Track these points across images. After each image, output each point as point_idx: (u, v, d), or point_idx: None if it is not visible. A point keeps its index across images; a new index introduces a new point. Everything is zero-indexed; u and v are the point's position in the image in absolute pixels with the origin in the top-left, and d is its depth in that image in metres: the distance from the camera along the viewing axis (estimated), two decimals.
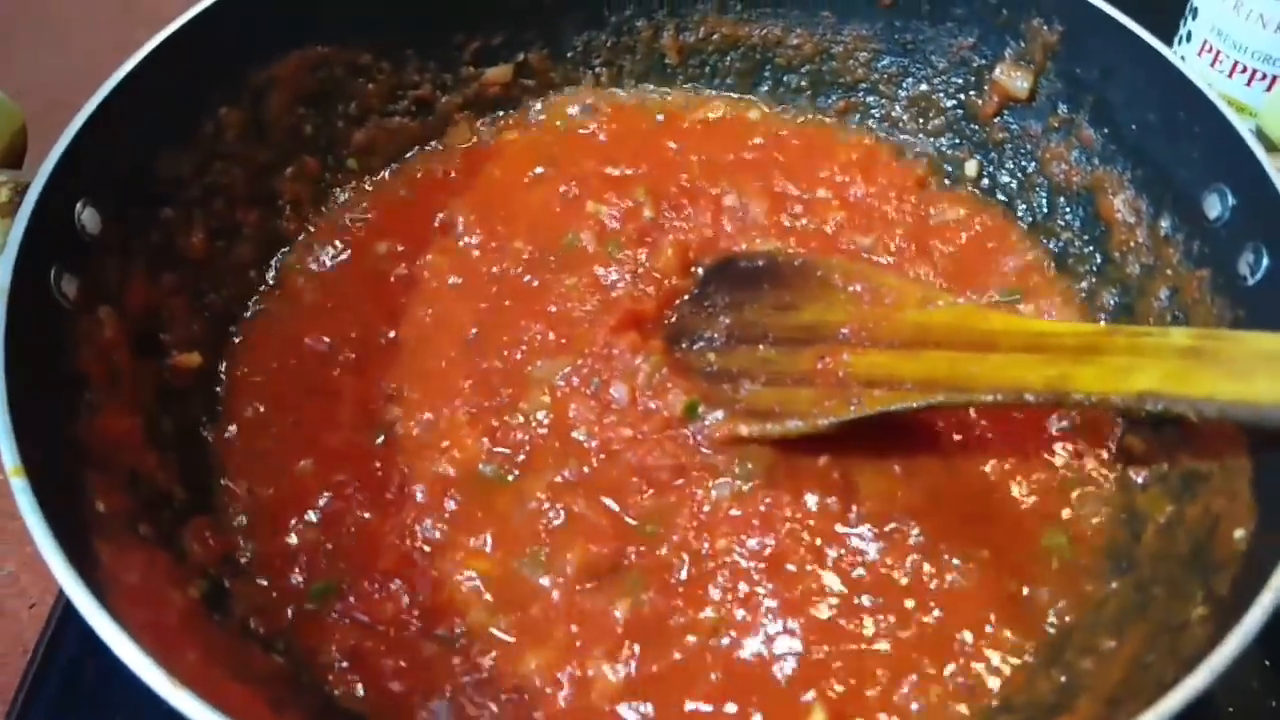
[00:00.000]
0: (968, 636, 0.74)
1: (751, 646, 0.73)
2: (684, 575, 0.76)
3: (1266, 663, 0.93)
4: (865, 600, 0.75)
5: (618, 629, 0.74)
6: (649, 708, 0.71)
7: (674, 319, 0.91)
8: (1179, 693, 0.55)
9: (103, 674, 0.92)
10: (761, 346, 0.86)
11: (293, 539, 0.79)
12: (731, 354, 0.87)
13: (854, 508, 0.79)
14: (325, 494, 0.81)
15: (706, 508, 0.79)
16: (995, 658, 0.73)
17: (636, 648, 0.73)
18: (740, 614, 0.74)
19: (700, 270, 0.94)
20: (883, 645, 0.73)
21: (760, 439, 0.82)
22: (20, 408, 0.64)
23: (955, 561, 0.77)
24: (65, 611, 0.97)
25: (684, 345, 0.88)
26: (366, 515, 0.80)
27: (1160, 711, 0.55)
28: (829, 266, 0.89)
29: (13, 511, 1.45)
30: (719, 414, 0.83)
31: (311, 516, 0.80)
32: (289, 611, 0.75)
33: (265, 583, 0.77)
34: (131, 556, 0.67)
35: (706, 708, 0.71)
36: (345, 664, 0.73)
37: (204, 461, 0.83)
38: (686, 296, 0.93)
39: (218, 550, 0.77)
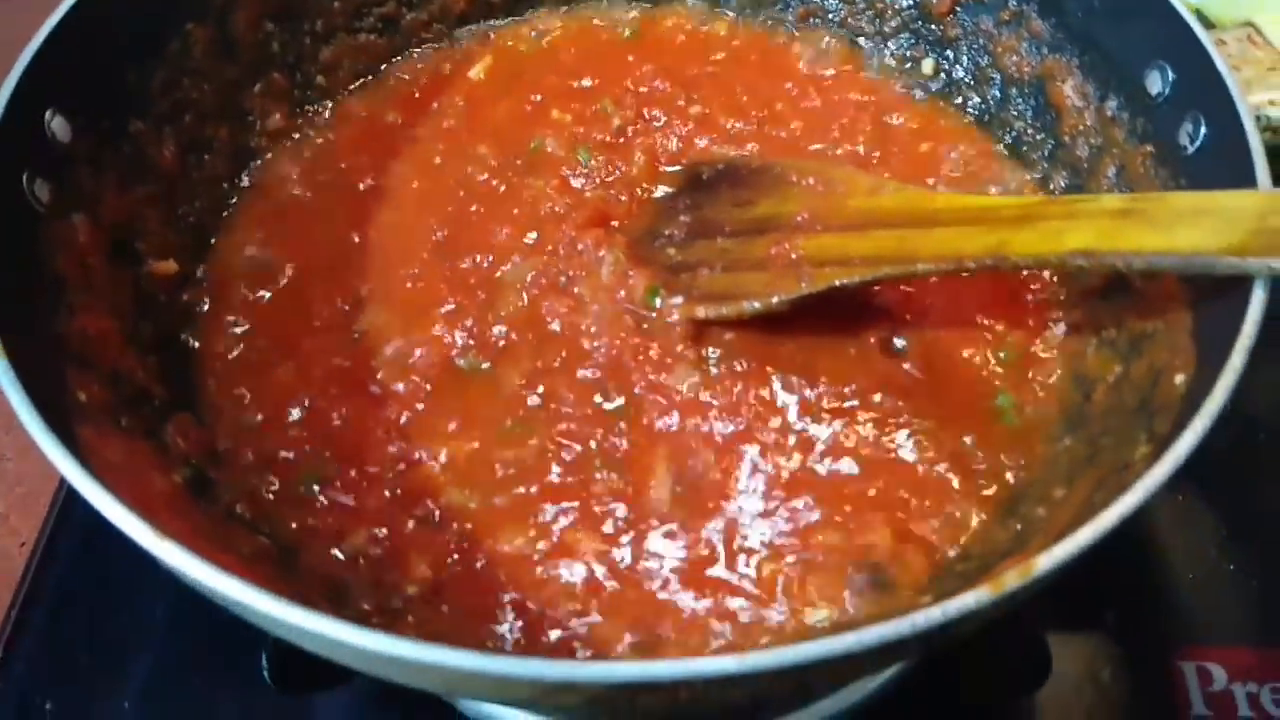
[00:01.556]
0: (927, 502, 0.77)
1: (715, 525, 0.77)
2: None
3: (1224, 531, 0.97)
4: (823, 469, 0.78)
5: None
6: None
7: (637, 218, 0.93)
8: (1111, 513, 0.58)
9: (97, 580, 0.95)
10: (719, 239, 0.89)
11: (275, 436, 0.81)
12: (690, 247, 0.90)
13: (813, 387, 0.82)
14: (305, 393, 0.83)
15: (673, 391, 0.82)
16: (955, 515, 0.76)
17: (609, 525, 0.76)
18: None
19: (666, 173, 0.96)
20: (845, 506, 0.76)
21: (717, 320, 0.85)
22: (1, 301, 0.66)
23: (913, 431, 0.80)
24: (52, 538, 0.99)
25: (646, 242, 0.91)
26: (345, 411, 0.82)
27: (1099, 527, 0.57)
28: (785, 165, 0.92)
29: (1, 454, 1.46)
30: (678, 299, 0.86)
31: (293, 414, 0.82)
32: (273, 499, 0.78)
33: (249, 475, 0.79)
34: (113, 442, 0.69)
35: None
36: (327, 547, 0.75)
37: (185, 364, 0.85)
38: (650, 198, 0.95)
39: (200, 445, 0.79)
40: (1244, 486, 1.00)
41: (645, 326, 0.85)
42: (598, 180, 0.95)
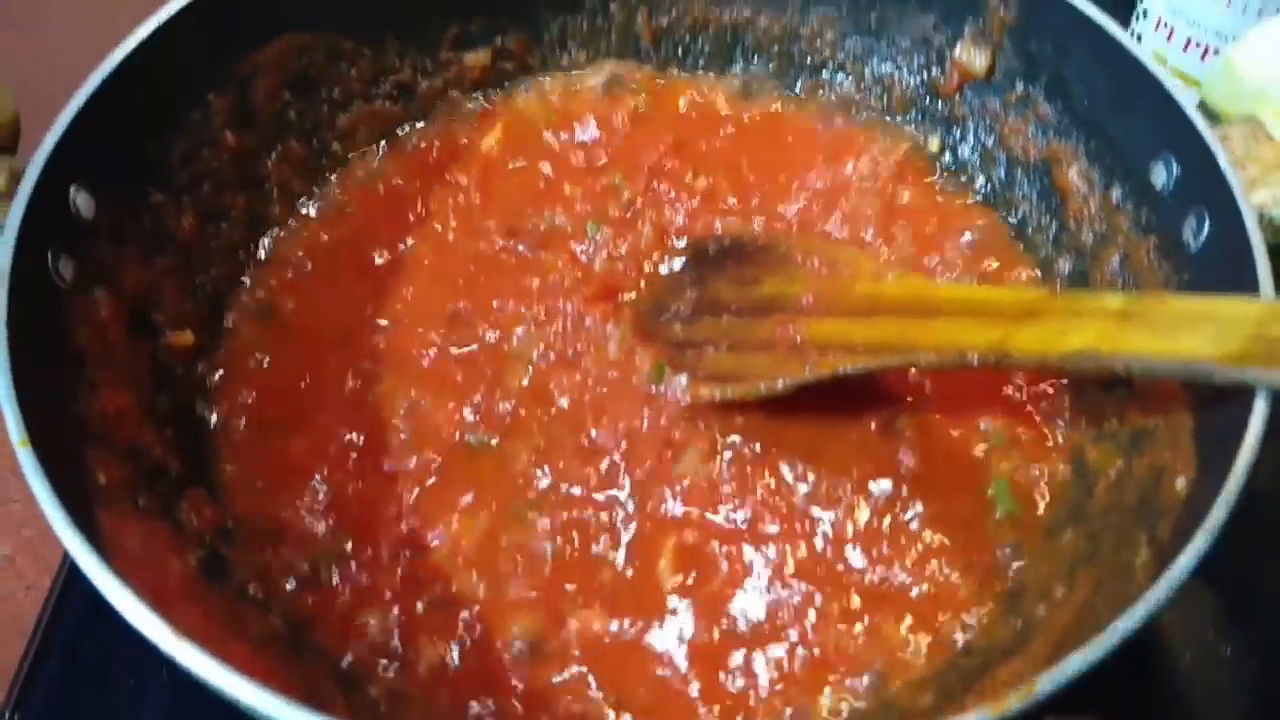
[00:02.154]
0: (927, 588, 0.78)
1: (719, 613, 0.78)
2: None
3: (1223, 613, 0.97)
4: (826, 558, 0.80)
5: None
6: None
7: (644, 294, 0.95)
8: (1114, 632, 0.59)
9: (102, 650, 0.95)
10: (724, 317, 0.91)
11: (286, 511, 0.82)
12: (696, 324, 0.91)
13: (817, 473, 0.84)
14: (316, 468, 0.84)
15: (680, 476, 0.84)
16: (956, 609, 0.77)
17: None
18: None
19: (674, 247, 0.98)
20: (848, 598, 0.78)
21: (722, 401, 0.86)
22: (24, 384, 0.67)
23: (914, 521, 0.81)
24: (63, 592, 1.00)
25: (652, 317, 0.93)
26: (356, 487, 0.83)
27: (1100, 646, 0.59)
28: (790, 243, 0.94)
29: (8, 496, 1.48)
30: (683, 378, 0.87)
31: (304, 489, 0.83)
32: (287, 579, 0.79)
33: (261, 552, 0.80)
34: (132, 526, 0.70)
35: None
36: (337, 626, 0.77)
37: (200, 436, 0.86)
38: (657, 273, 0.97)
39: (213, 521, 0.80)
40: (1243, 564, 1.01)
41: (651, 407, 0.87)
42: (606, 254, 0.97)
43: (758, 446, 0.85)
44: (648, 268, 0.96)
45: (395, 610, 0.77)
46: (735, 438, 0.85)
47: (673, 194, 1.02)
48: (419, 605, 0.77)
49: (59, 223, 0.78)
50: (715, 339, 0.89)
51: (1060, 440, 0.86)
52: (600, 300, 0.93)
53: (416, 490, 0.83)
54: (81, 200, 0.80)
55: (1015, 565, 0.79)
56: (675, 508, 0.82)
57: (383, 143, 1.06)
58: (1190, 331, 0.70)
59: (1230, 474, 0.64)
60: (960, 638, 0.76)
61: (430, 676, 0.74)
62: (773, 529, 0.81)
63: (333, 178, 1.03)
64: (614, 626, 0.77)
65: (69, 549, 0.61)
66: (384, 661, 0.75)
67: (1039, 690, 0.56)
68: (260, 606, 0.76)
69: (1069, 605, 0.72)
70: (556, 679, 0.74)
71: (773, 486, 0.83)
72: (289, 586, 0.78)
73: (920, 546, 0.80)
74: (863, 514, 0.82)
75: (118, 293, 0.82)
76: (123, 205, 0.84)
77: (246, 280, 0.96)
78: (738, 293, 0.92)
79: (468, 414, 0.86)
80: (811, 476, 0.83)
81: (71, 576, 1.03)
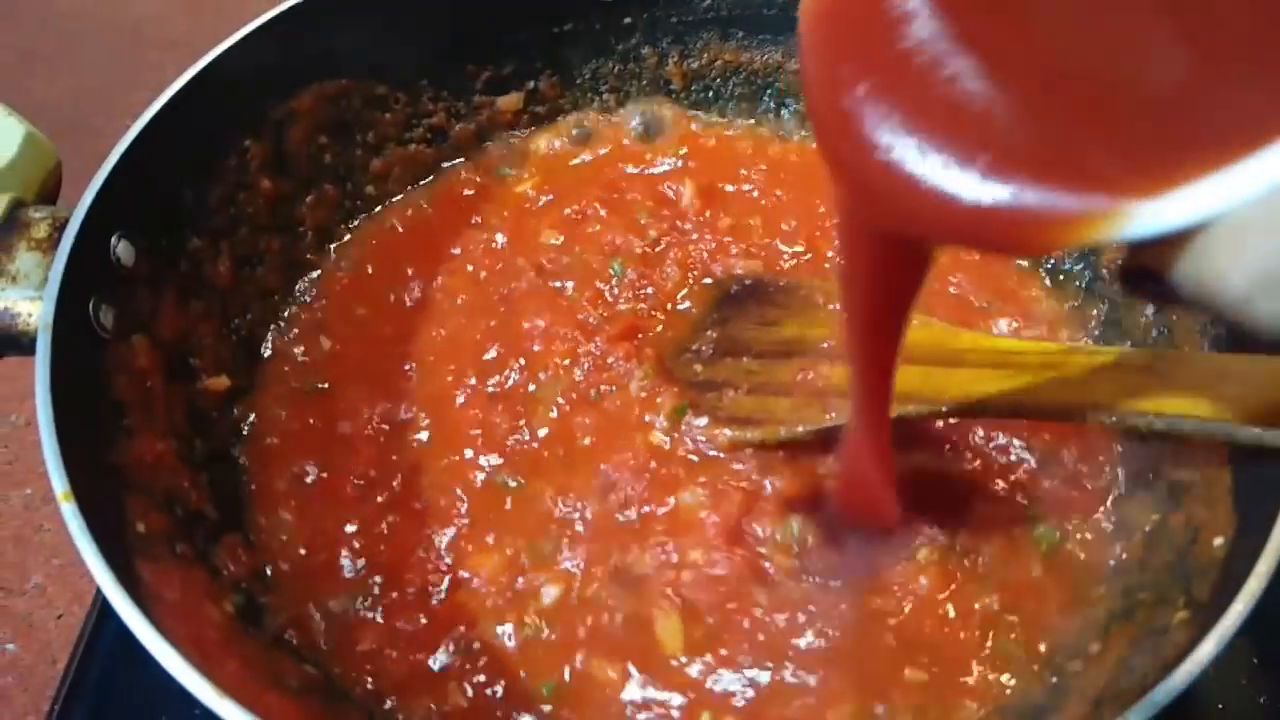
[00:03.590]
0: (963, 649, 0.78)
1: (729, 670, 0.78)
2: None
3: (1255, 660, 0.96)
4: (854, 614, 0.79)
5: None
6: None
7: (667, 333, 0.95)
8: (1158, 694, 0.59)
9: (135, 685, 0.96)
10: (746, 359, 0.91)
11: (319, 555, 0.83)
12: (717, 365, 0.91)
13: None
14: (347, 512, 0.85)
15: (694, 515, 0.83)
16: (991, 666, 0.77)
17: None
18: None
19: (697, 288, 0.98)
20: (880, 652, 0.77)
21: (741, 444, 0.86)
22: (66, 436, 0.68)
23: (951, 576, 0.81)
24: (99, 621, 1.00)
25: (674, 357, 0.93)
26: (386, 529, 0.84)
27: (1142, 709, 0.58)
28: (812, 287, 0.94)
29: (39, 525, 1.50)
30: (704, 420, 0.88)
31: (337, 534, 0.84)
32: (320, 623, 0.79)
33: (295, 597, 0.81)
34: (171, 575, 0.71)
35: None
36: (370, 672, 0.77)
37: (234, 480, 0.87)
38: (679, 313, 0.97)
39: (249, 566, 0.81)
40: (1276, 612, 1.00)
41: (669, 450, 0.87)
42: (631, 293, 0.98)
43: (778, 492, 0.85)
44: (671, 307, 0.97)
45: (424, 655, 0.78)
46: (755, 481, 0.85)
47: (697, 235, 1.03)
48: (448, 649, 0.78)
49: (100, 272, 0.79)
50: (735, 381, 0.90)
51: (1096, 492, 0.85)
52: (623, 339, 0.94)
53: (446, 534, 0.84)
54: (122, 249, 0.81)
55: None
56: (694, 558, 0.81)
57: (415, 184, 1.07)
58: (1211, 390, 0.70)
59: (1270, 539, 0.64)
60: (996, 700, 0.76)
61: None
62: (792, 577, 0.80)
63: (365, 220, 1.05)
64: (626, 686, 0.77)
65: (115, 606, 0.61)
66: (415, 704, 0.75)
67: None
68: (295, 654, 0.77)
69: (1104, 663, 0.72)
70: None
71: (795, 534, 0.83)
72: (322, 630, 0.79)
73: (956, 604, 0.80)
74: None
75: (156, 339, 0.83)
76: (161, 252, 0.85)
77: (281, 323, 0.97)
78: (759, 334, 0.92)
79: (494, 456, 0.87)
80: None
81: (104, 610, 1.04)
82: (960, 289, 0.99)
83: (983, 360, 0.81)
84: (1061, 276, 0.99)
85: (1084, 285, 0.97)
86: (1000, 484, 0.86)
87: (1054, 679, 0.74)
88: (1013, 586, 0.80)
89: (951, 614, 0.78)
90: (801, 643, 0.77)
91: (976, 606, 0.78)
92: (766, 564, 0.80)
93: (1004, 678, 0.75)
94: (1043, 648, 0.77)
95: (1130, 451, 0.85)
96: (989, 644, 0.77)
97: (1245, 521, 0.70)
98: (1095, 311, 0.96)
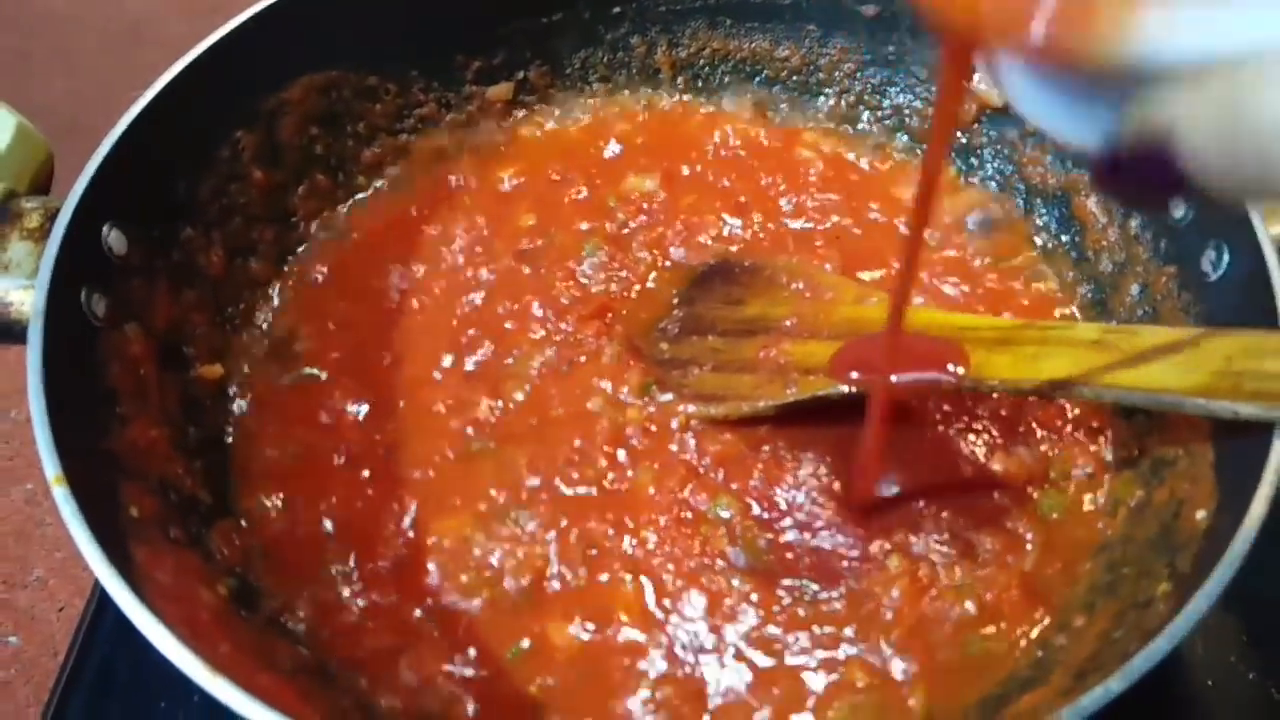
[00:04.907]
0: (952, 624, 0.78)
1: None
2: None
3: (1244, 638, 0.97)
4: (835, 593, 0.80)
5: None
6: None
7: (636, 312, 0.97)
8: (1138, 660, 0.59)
9: (134, 673, 0.96)
10: (710, 337, 0.93)
11: (306, 536, 0.84)
12: (682, 343, 0.93)
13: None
14: (331, 493, 0.86)
15: (652, 490, 0.85)
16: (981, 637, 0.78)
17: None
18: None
19: (666, 267, 1.00)
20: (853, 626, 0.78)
21: (705, 419, 0.88)
22: (57, 422, 0.68)
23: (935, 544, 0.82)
24: (98, 613, 1.01)
25: (642, 335, 0.95)
26: (364, 506, 0.85)
27: (1123, 676, 0.59)
28: (775, 267, 0.96)
29: (41, 519, 1.51)
30: (669, 396, 0.89)
31: (324, 513, 0.85)
32: (308, 604, 0.80)
33: (285, 580, 0.81)
34: (164, 559, 0.72)
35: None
36: (351, 647, 0.78)
37: (226, 466, 0.88)
38: (648, 292, 0.99)
39: (242, 551, 0.82)
40: (1264, 590, 1.00)
41: (634, 424, 0.88)
42: (603, 275, 0.99)
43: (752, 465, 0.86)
44: (641, 286, 0.99)
45: (398, 625, 0.79)
46: (724, 458, 0.87)
47: (668, 214, 1.04)
48: (421, 616, 0.79)
49: (92, 261, 0.79)
50: (700, 358, 0.91)
51: (1084, 468, 0.86)
52: (594, 318, 0.96)
53: (418, 503, 0.85)
54: (114, 238, 0.81)
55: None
56: (650, 537, 0.82)
57: (403, 173, 1.08)
58: (1160, 363, 0.72)
59: (1250, 507, 0.65)
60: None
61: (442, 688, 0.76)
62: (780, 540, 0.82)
63: (351, 207, 1.06)
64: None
65: (105, 585, 0.62)
66: (396, 677, 0.77)
67: None
68: (287, 635, 0.78)
69: (1088, 636, 0.72)
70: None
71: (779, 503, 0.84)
72: (309, 610, 0.80)
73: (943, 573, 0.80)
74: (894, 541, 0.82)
75: (149, 328, 0.84)
76: (153, 242, 0.86)
77: (272, 312, 0.98)
78: (724, 313, 0.94)
79: (468, 429, 0.89)
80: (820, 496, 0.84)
81: (103, 600, 1.05)
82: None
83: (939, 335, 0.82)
84: (1048, 259, 0.99)
85: (1070, 266, 0.98)
86: (973, 465, 0.87)
87: (1039, 653, 0.75)
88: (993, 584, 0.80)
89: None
90: (756, 624, 0.78)
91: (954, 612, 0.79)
92: (724, 542, 0.82)
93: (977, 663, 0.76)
94: (1023, 642, 0.77)
95: (1116, 429, 0.86)
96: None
97: (1227, 494, 0.70)
98: (1082, 292, 0.96)
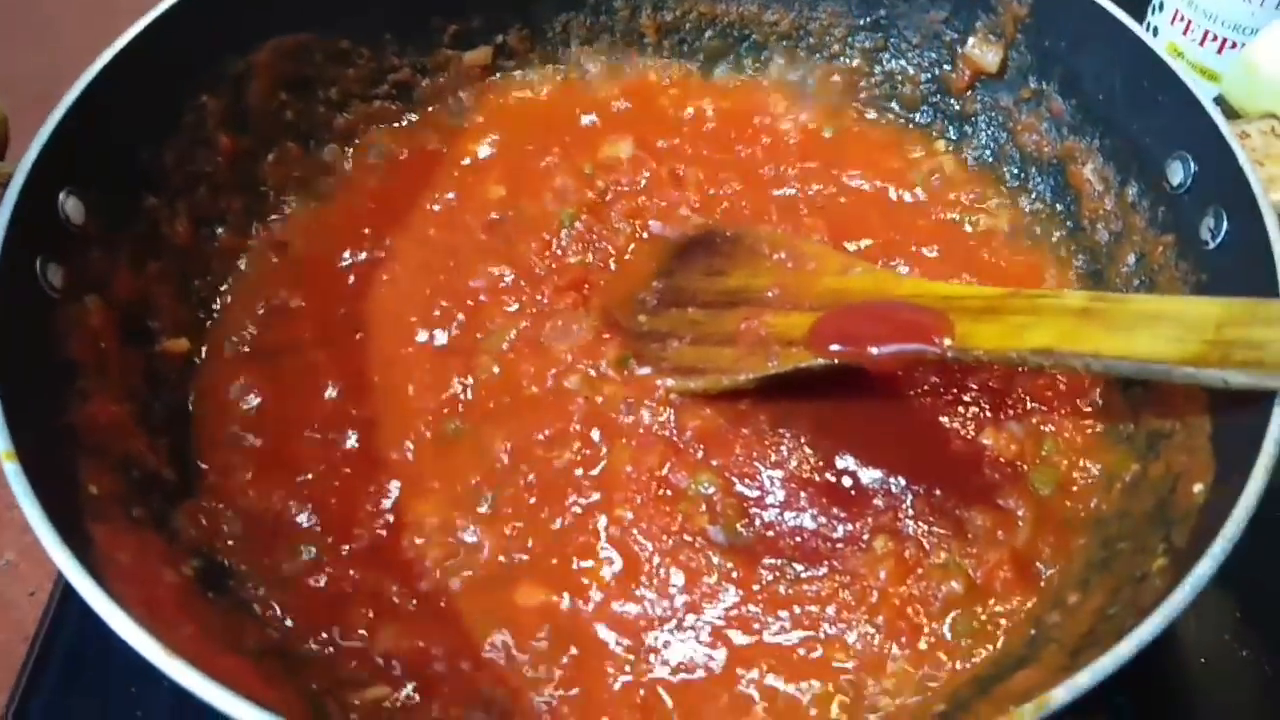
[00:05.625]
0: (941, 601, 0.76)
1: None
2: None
3: (1238, 614, 0.95)
4: (819, 572, 0.78)
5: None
6: None
7: (613, 284, 0.94)
8: (1132, 639, 0.57)
9: (104, 658, 0.94)
10: (690, 309, 0.90)
11: (276, 515, 0.81)
12: (661, 315, 0.91)
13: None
14: (302, 471, 0.83)
15: (630, 468, 0.82)
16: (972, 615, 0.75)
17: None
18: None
19: (644, 238, 0.97)
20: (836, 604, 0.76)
21: (684, 393, 0.85)
22: (11, 395, 0.66)
23: (920, 524, 0.79)
24: (64, 598, 0.99)
25: (619, 307, 0.92)
26: (339, 483, 0.83)
27: (1116, 656, 0.57)
28: (757, 237, 0.93)
29: (11, 501, 1.48)
30: (648, 369, 0.87)
31: (294, 491, 0.82)
32: (277, 584, 0.78)
33: (254, 560, 0.79)
34: (124, 538, 0.69)
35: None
36: (325, 627, 0.76)
37: (192, 442, 0.84)
38: (626, 264, 0.96)
39: (208, 530, 0.79)
40: (1258, 567, 0.99)
41: (611, 399, 0.86)
42: (579, 244, 0.96)
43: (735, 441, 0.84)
44: (618, 257, 0.96)
45: (372, 610, 0.77)
46: (703, 433, 0.84)
47: (646, 184, 1.02)
48: (398, 596, 0.77)
49: (47, 230, 0.76)
50: (680, 331, 0.89)
51: (1076, 443, 0.84)
52: (570, 290, 0.93)
53: (394, 481, 0.83)
54: (71, 206, 0.78)
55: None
56: (627, 514, 0.80)
57: (376, 141, 1.05)
58: (1148, 331, 0.70)
59: (1249, 481, 0.62)
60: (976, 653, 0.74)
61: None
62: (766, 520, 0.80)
63: (321, 177, 1.02)
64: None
65: (57, 563, 0.60)
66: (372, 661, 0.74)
67: (1054, 701, 0.55)
68: (255, 616, 0.75)
69: (1083, 613, 0.70)
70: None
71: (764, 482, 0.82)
72: (279, 590, 0.77)
73: (930, 554, 0.78)
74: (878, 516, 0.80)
75: (110, 300, 0.80)
76: (114, 210, 0.83)
77: (237, 281, 0.94)
78: (704, 284, 0.92)
79: (442, 407, 0.86)
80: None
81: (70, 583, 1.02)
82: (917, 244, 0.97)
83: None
84: (1038, 229, 0.97)
85: (1064, 236, 0.95)
86: (961, 439, 0.84)
87: (1032, 631, 0.73)
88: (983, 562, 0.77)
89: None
90: (736, 603, 0.77)
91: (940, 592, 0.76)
92: (705, 519, 0.79)
93: (965, 642, 0.74)
94: (1015, 620, 0.75)
95: (1110, 401, 0.84)
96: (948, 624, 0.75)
97: (1225, 467, 0.68)
98: (1077, 263, 0.94)
